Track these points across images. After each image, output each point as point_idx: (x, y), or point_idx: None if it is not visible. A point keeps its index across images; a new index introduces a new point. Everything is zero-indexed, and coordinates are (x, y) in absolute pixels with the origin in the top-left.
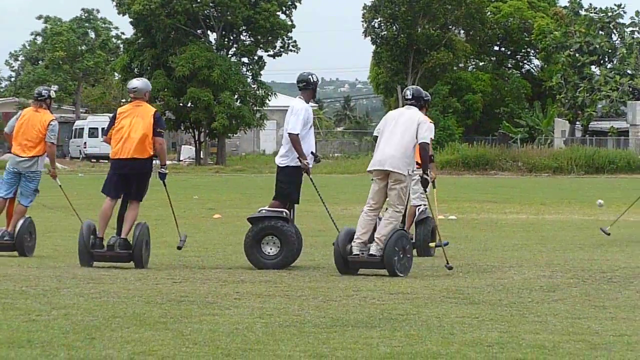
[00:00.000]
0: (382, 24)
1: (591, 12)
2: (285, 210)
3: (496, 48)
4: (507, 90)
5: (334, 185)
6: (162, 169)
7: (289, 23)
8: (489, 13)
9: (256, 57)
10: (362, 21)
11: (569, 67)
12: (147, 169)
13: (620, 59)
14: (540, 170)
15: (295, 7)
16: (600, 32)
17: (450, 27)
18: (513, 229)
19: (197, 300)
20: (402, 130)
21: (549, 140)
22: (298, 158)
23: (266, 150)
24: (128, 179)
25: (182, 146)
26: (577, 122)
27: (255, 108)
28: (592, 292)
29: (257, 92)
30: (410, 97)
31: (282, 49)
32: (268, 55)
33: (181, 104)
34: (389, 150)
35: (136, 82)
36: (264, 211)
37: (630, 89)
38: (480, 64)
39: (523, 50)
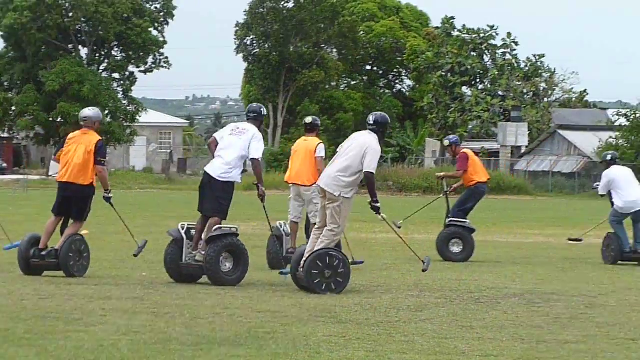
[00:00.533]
0: (255, 42)
1: (463, 33)
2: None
3: (368, 67)
4: (378, 110)
5: None
6: (106, 194)
7: (161, 39)
8: (361, 32)
9: (127, 73)
10: (235, 38)
11: (441, 88)
12: (87, 193)
13: (491, 80)
14: (411, 190)
15: (168, 24)
16: (472, 53)
17: (322, 45)
18: (382, 249)
19: (63, 317)
20: (350, 154)
21: (420, 160)
22: (256, 184)
23: (136, 166)
24: (69, 201)
25: (52, 161)
26: None
27: (125, 124)
28: (460, 312)
29: (128, 107)
30: (372, 122)
31: (153, 65)
32: (139, 71)
33: (51, 119)
34: (329, 169)
35: (87, 112)
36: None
37: (501, 110)
38: (352, 83)
39: (395, 70)
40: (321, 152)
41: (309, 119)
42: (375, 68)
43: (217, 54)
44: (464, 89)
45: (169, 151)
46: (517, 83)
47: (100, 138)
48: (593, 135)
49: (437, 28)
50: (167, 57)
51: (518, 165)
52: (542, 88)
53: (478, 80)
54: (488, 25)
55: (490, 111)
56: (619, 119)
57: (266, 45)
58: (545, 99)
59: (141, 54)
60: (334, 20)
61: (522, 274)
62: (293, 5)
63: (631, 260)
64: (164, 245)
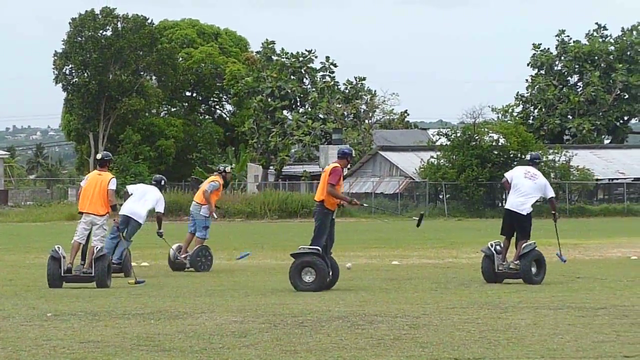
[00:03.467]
0: (74, 71)
1: (283, 57)
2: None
3: (188, 93)
4: (199, 136)
5: (26, 234)
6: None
7: None
8: (180, 59)
9: None
10: (53, 68)
11: (261, 112)
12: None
13: (312, 103)
14: (234, 216)
15: None
16: (292, 76)
17: (142, 73)
18: (205, 275)
19: None
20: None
21: (242, 185)
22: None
23: None
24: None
25: None
26: (271, 167)
27: None
28: (284, 336)
29: None
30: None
31: None
32: None
33: None
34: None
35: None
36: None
37: (322, 133)
38: (173, 109)
39: (215, 96)
40: (113, 185)
41: (99, 155)
42: (195, 94)
43: (37, 84)
44: (285, 112)
45: None
46: (338, 105)
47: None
48: (415, 155)
49: (257, 53)
50: None
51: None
52: (362, 110)
53: (298, 103)
54: (306, 50)
55: (312, 134)
56: (440, 138)
57: (85, 74)
58: (366, 121)
59: None
60: (152, 47)
61: (345, 296)
62: (111, 33)
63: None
64: None
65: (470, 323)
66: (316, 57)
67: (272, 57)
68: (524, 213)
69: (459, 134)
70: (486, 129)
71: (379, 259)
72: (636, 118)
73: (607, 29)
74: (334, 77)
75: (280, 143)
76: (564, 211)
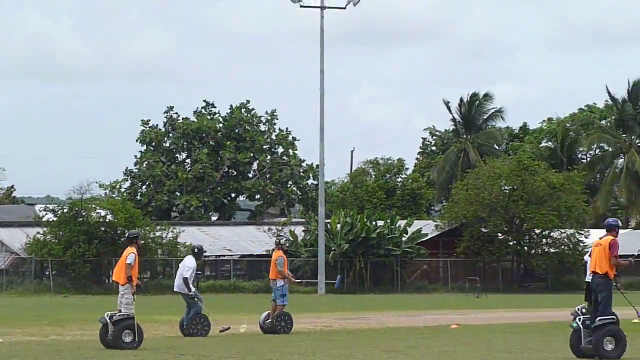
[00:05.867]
0: None
1: None
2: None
3: None
4: None
5: None
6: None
7: None
8: None
9: None
10: None
11: None
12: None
13: None
14: None
15: None
16: None
17: None
18: None
19: None
20: None
21: None
22: None
23: None
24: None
25: None
26: None
27: None
28: None
29: None
30: None
31: None
32: None
33: None
34: None
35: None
36: None
37: None
38: None
39: None
40: None
41: None
42: None
43: None
44: None
45: None
46: None
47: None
48: (21, 231)
49: None
50: None
51: None
52: None
53: None
54: None
55: None
56: (46, 214)
57: None
58: None
59: None
60: None
61: None
62: None
63: None
64: None
65: None
66: None
67: None
68: None
69: (65, 210)
70: (93, 205)
71: None
72: (243, 195)
73: (215, 107)
74: None
75: None
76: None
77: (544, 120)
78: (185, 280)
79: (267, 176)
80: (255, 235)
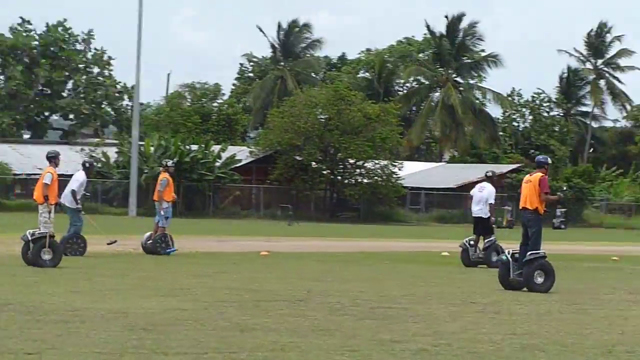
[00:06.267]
0: None
1: None
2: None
3: None
4: None
5: None
6: None
7: None
8: None
9: None
10: None
11: None
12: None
13: None
14: None
15: None
16: None
17: None
18: None
19: None
20: None
21: None
22: None
23: None
24: None
25: None
26: None
27: None
28: None
29: None
30: None
31: None
32: None
33: None
34: None
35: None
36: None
37: None
38: None
39: None
40: None
41: None
42: None
43: None
44: None
45: None
46: None
47: None
48: None
49: None
50: None
51: None
52: None
53: None
54: None
55: None
56: None
57: None
58: None
59: None
60: None
61: None
62: None
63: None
64: None
65: None
66: None
67: None
68: None
69: None
70: None
71: None
72: (57, 114)
73: (31, 24)
74: None
75: None
76: None
77: (362, 51)
78: (72, 192)
79: (82, 96)
80: (68, 155)
